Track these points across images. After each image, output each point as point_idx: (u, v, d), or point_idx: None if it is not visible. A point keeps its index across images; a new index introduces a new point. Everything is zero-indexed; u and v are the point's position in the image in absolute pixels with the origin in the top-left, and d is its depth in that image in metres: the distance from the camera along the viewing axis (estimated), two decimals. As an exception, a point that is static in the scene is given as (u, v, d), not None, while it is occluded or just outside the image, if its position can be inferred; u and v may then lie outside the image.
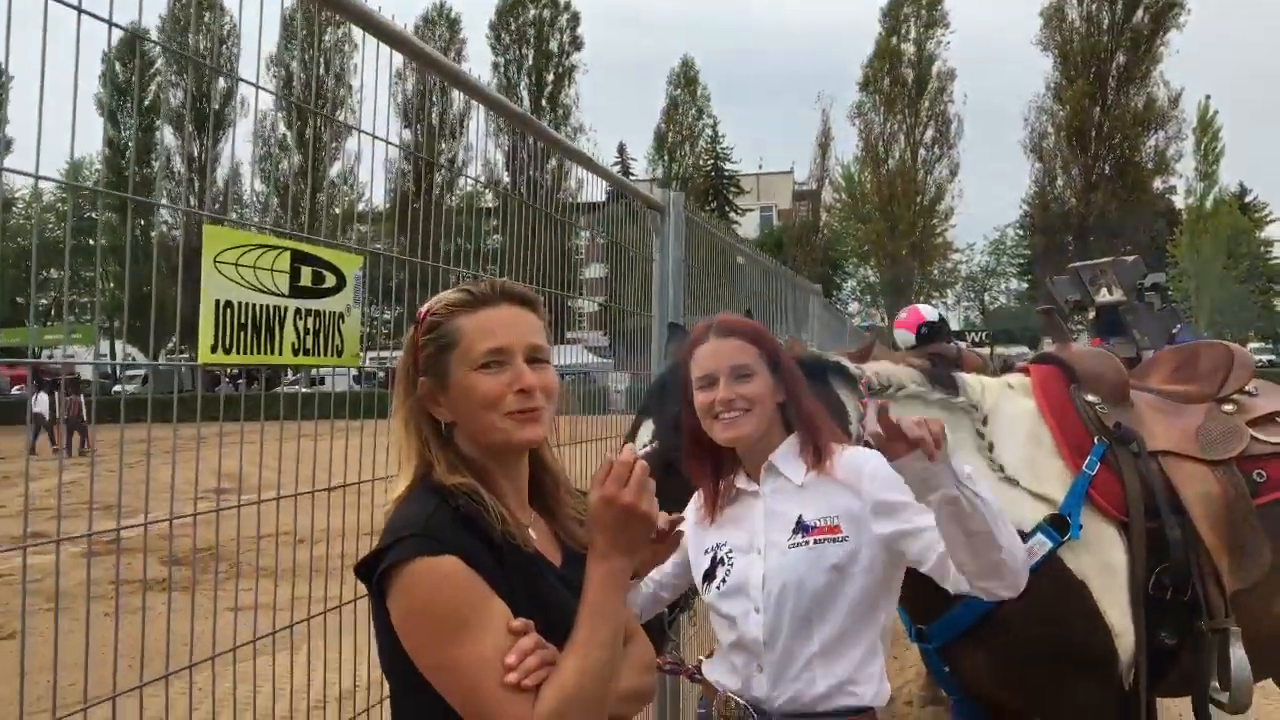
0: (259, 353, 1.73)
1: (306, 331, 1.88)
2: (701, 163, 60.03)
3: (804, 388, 2.32)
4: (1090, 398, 2.99)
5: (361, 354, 2.03)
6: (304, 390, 2.28)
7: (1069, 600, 2.76)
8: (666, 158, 58.06)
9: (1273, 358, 46.32)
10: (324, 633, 2.35)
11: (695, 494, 2.41)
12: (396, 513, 1.59)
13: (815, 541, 2.14)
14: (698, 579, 2.34)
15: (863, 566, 2.12)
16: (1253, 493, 2.95)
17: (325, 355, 1.90)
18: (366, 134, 2.09)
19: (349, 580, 2.28)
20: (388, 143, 2.16)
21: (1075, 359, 3.10)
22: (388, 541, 1.53)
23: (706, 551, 2.33)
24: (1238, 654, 2.80)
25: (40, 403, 21.59)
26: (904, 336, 6.19)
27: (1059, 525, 2.76)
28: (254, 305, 1.74)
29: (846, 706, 2.11)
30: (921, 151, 55.48)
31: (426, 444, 1.62)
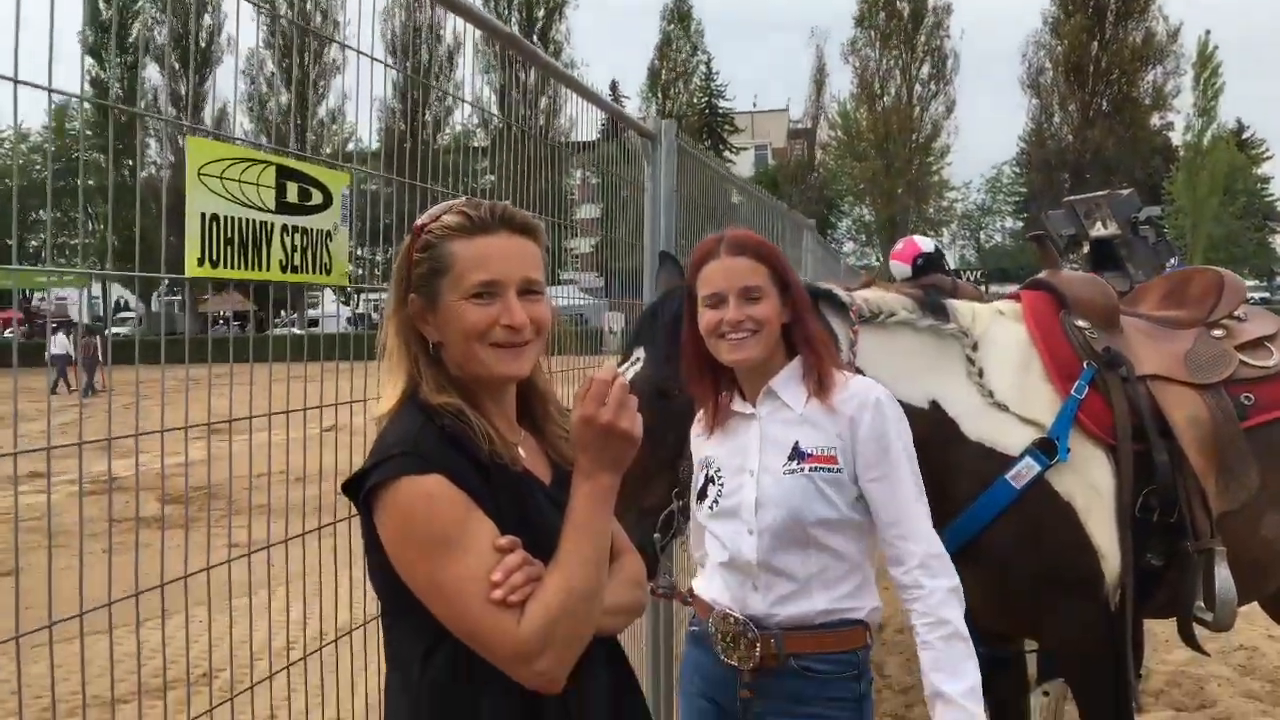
0: (246, 268, 1.72)
1: (294, 249, 1.87)
2: (696, 100, 59.48)
3: (810, 310, 2.29)
4: (1080, 323, 3.00)
5: (349, 274, 2.02)
6: (296, 331, 2.26)
7: (1056, 523, 2.79)
8: (660, 95, 57.48)
9: (1266, 295, 46.40)
10: (318, 569, 2.37)
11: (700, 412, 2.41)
12: (383, 430, 1.59)
13: (811, 470, 2.14)
14: (692, 495, 2.36)
15: (856, 495, 2.15)
16: (1240, 416, 2.97)
17: (314, 273, 1.89)
18: (353, 49, 2.04)
19: (344, 516, 2.31)
20: (375, 60, 2.11)
21: (1065, 284, 3.10)
22: (374, 460, 1.53)
23: (700, 467, 2.34)
24: (1223, 574, 2.84)
25: (58, 344, 21.84)
26: (900, 268, 6.16)
27: (1047, 449, 2.78)
28: (240, 220, 1.73)
29: (844, 619, 2.15)
30: (918, 88, 55.04)
31: (415, 361, 1.61)
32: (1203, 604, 2.91)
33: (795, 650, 2.14)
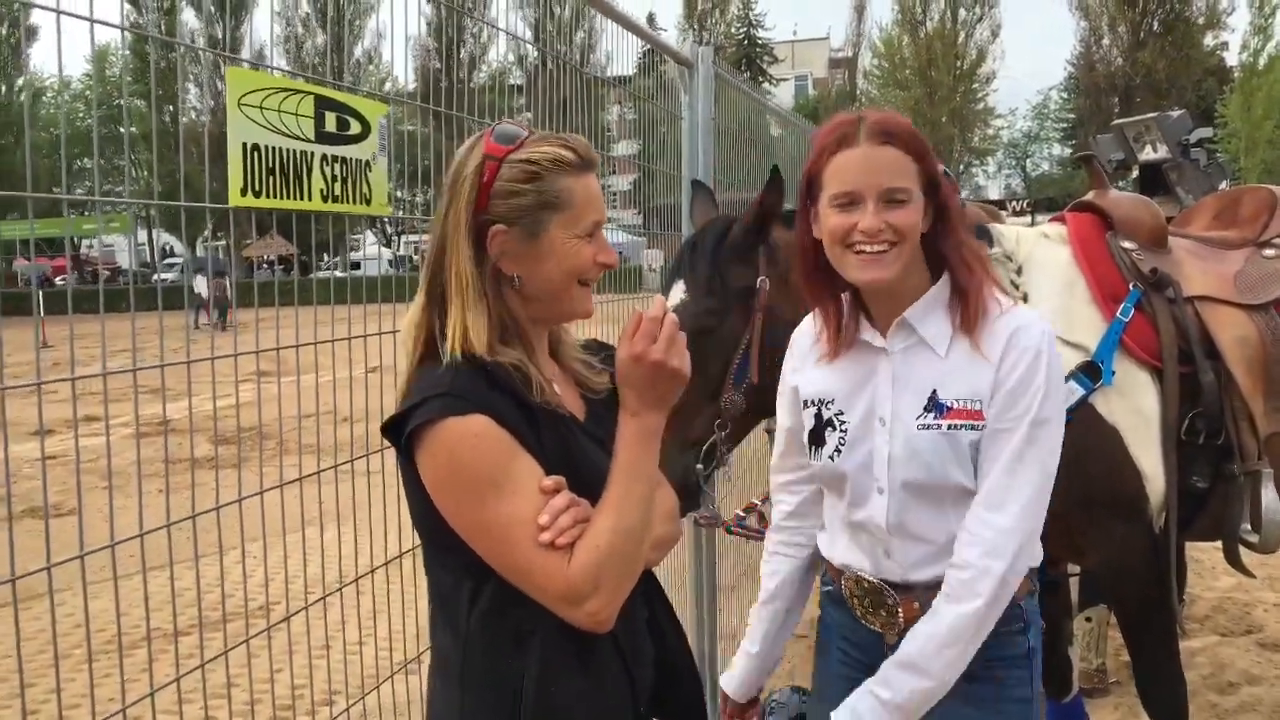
0: (288, 197, 1.74)
1: (334, 178, 1.88)
2: (734, 31, 58.45)
3: (963, 219, 1.87)
4: (1126, 244, 2.95)
5: (391, 204, 2.03)
6: (339, 274, 2.28)
7: (1100, 447, 2.77)
8: (697, 26, 56.54)
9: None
10: (368, 503, 2.41)
11: (789, 348, 2.06)
12: (420, 373, 1.56)
13: (950, 426, 1.75)
14: (802, 437, 1.96)
15: None
16: (1291, 336, 2.92)
17: (354, 203, 1.90)
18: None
19: (390, 456, 2.35)
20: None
21: (1112, 205, 3.04)
22: (415, 400, 1.50)
23: (809, 404, 1.93)
24: (1269, 495, 2.82)
25: (199, 284, 23.20)
26: None
27: (1091, 373, 2.75)
28: (280, 150, 1.75)
29: None
30: (962, 12, 53.65)
31: (490, 297, 1.55)
32: (1249, 526, 2.90)
33: None
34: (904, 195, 1.73)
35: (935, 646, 1.73)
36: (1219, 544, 3.08)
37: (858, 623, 1.92)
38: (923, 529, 1.80)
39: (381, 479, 2.49)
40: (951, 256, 1.80)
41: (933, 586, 1.79)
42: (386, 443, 1.55)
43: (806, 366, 1.98)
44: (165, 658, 3.93)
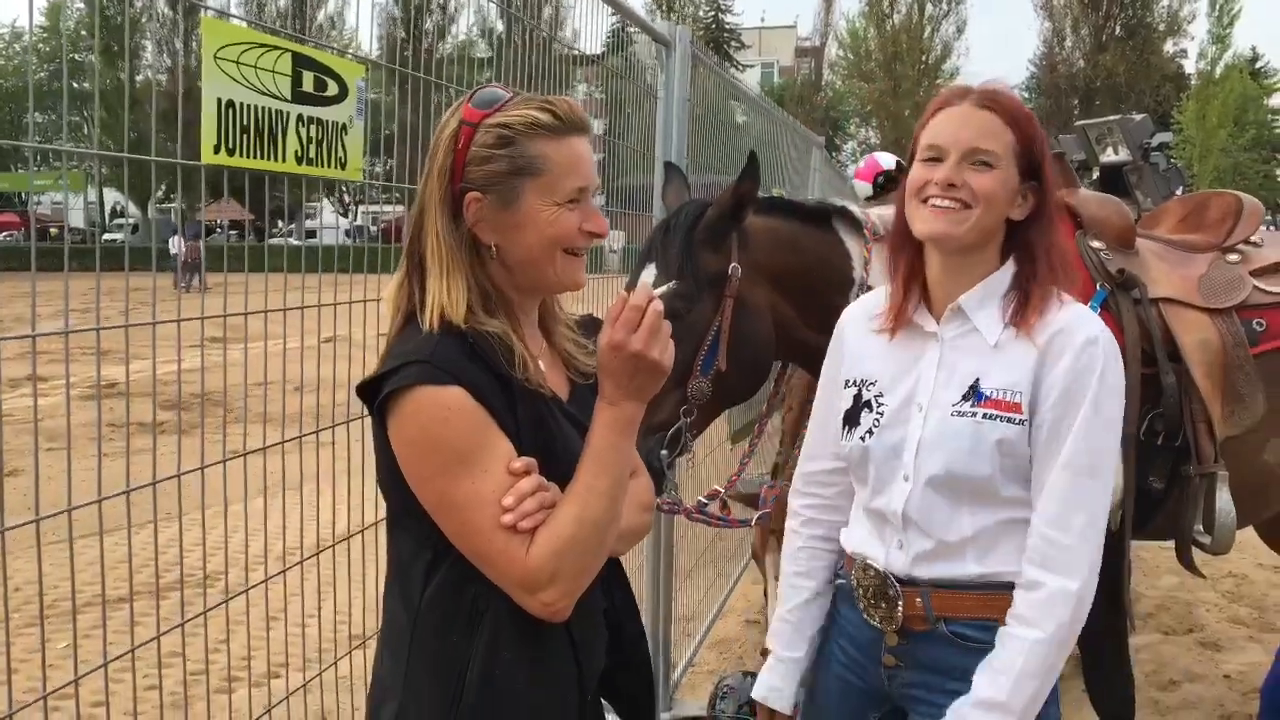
0: (261, 157, 1.67)
1: (309, 140, 1.82)
2: (702, 14, 58.28)
3: (1057, 212, 1.80)
4: (1095, 243, 2.96)
5: (364, 170, 1.97)
6: (294, 242, 2.22)
7: (1061, 444, 2.78)
8: (664, 7, 56.32)
9: (1272, 227, 46.11)
10: (316, 476, 2.36)
11: (841, 324, 2.00)
12: (401, 335, 1.52)
13: (985, 415, 1.70)
14: (833, 413, 1.92)
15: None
16: (1251, 341, 2.95)
17: (328, 167, 1.84)
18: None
19: (354, 428, 2.30)
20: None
21: (1082, 204, 3.06)
22: (392, 364, 1.45)
23: (850, 384, 1.89)
24: (1223, 497, 2.85)
25: (173, 244, 22.99)
26: (862, 187, 5.99)
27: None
28: (255, 107, 1.68)
29: (1007, 581, 1.72)
30: (929, 7, 53.96)
31: (470, 268, 1.50)
32: (1201, 527, 2.93)
33: (946, 613, 1.76)
34: (990, 159, 1.69)
35: (1013, 681, 1.65)
36: (1163, 543, 3.12)
37: (860, 617, 1.88)
38: (937, 524, 1.75)
39: (331, 450, 2.45)
40: (1038, 249, 1.75)
41: (940, 585, 1.76)
42: (341, 416, 1.50)
43: (855, 346, 1.92)
44: (117, 622, 3.86)
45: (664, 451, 2.72)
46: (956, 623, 1.76)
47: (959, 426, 1.71)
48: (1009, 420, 1.69)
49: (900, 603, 1.79)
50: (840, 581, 1.97)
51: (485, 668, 1.47)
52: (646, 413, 2.62)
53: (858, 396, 1.86)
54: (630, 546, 1.78)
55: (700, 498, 3.32)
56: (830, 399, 1.96)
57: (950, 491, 1.73)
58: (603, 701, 1.74)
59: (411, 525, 1.51)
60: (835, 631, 1.97)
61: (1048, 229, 1.76)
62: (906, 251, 1.82)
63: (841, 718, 1.96)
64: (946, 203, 1.69)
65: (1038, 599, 1.65)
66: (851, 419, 1.86)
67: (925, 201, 1.71)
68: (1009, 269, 1.77)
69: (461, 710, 1.47)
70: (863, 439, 1.82)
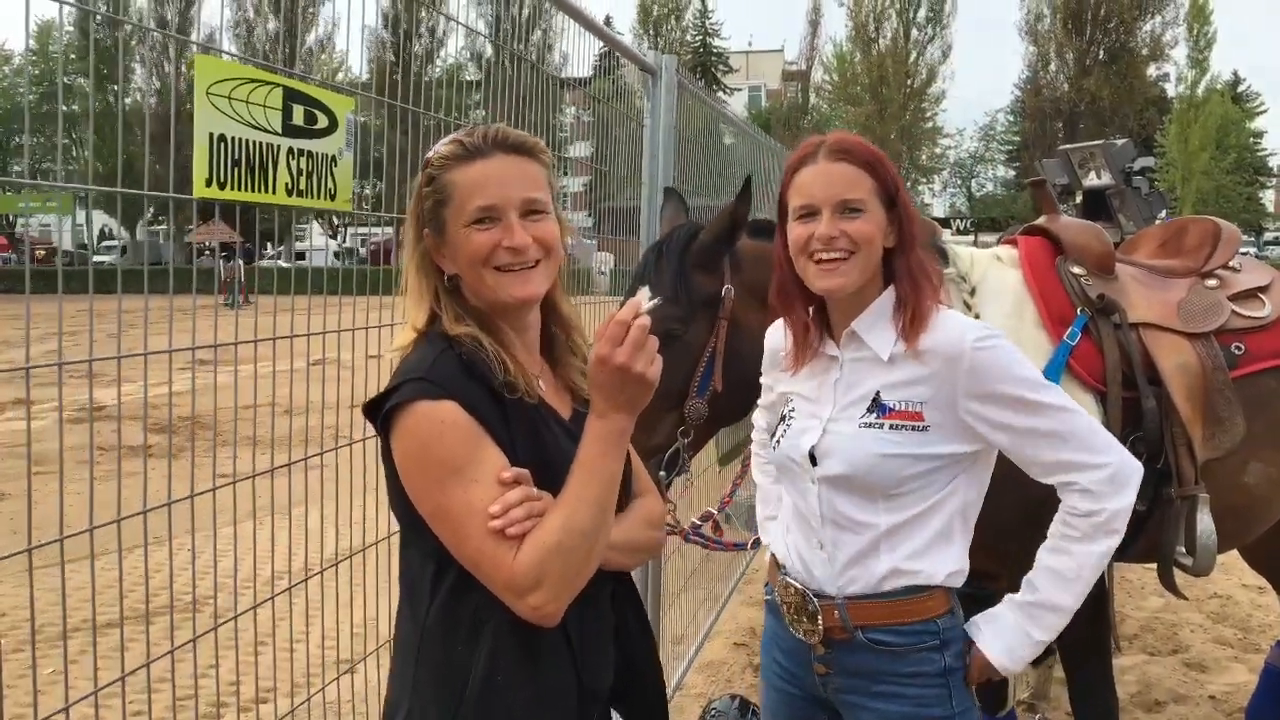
0: (253, 190, 1.70)
1: (300, 172, 1.85)
2: (689, 39, 58.68)
3: (920, 234, 1.98)
4: (1075, 269, 3.00)
5: (353, 201, 2.00)
6: (283, 264, 2.24)
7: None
8: (652, 31, 56.69)
9: (1254, 249, 46.51)
10: (304, 500, 2.38)
11: (769, 335, 2.20)
12: (404, 358, 1.61)
13: (891, 426, 1.88)
14: (765, 429, 2.18)
15: (942, 455, 1.89)
16: (1230, 365, 2.99)
17: (318, 198, 1.87)
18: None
19: (343, 453, 2.31)
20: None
21: (1062, 230, 3.10)
22: (393, 384, 1.55)
23: (778, 404, 2.13)
24: (1204, 520, 2.88)
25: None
26: None
27: (1038, 394, 2.79)
28: (247, 141, 1.72)
29: (912, 585, 1.91)
30: (914, 32, 54.40)
31: (435, 294, 1.63)
32: (1183, 549, 2.96)
33: (862, 622, 1.93)
34: (859, 205, 1.87)
35: (1069, 583, 1.89)
36: (1149, 564, 3.14)
37: (787, 630, 2.05)
38: (850, 520, 1.92)
39: (320, 474, 2.45)
40: (900, 269, 1.93)
41: (852, 596, 1.93)
42: (330, 440, 1.55)
43: (776, 370, 2.15)
44: (105, 646, 3.84)
45: (662, 473, 2.75)
46: (872, 629, 1.93)
47: (870, 437, 1.89)
48: (913, 428, 1.88)
49: (820, 616, 1.96)
50: (767, 597, 2.15)
51: (486, 675, 1.54)
52: (645, 435, 2.68)
53: (780, 414, 2.09)
54: (640, 562, 1.86)
55: (694, 519, 3.35)
56: (769, 394, 2.22)
57: (860, 491, 1.90)
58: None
59: (418, 539, 1.59)
60: (769, 644, 2.16)
61: (911, 250, 1.94)
62: (798, 301, 2.01)
63: None
64: (833, 254, 1.87)
65: (1101, 520, 1.86)
66: (773, 429, 2.10)
67: (812, 257, 1.89)
68: (890, 293, 1.95)
69: (463, 714, 1.53)
70: (775, 446, 2.06)
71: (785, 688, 2.10)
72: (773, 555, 2.14)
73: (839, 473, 1.90)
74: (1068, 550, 1.90)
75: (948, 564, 1.93)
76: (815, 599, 1.96)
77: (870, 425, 1.89)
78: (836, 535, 1.94)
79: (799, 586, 1.99)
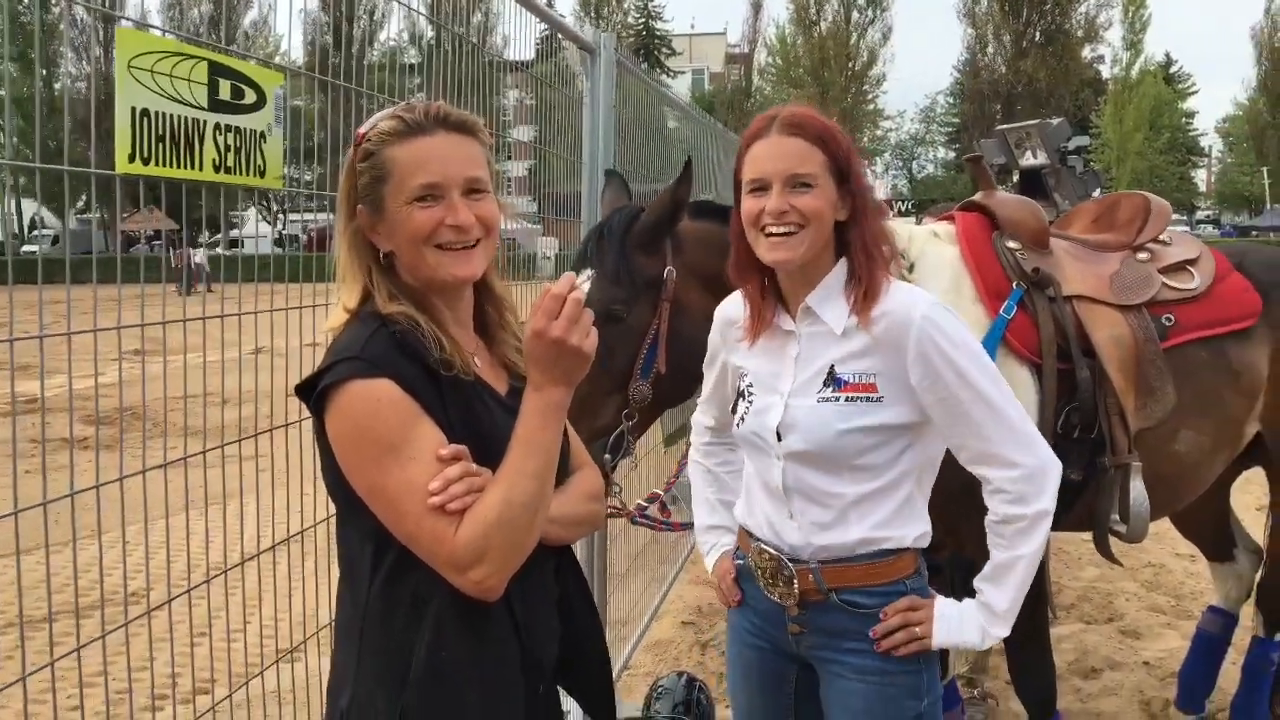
0: (179, 166, 1.66)
1: (227, 148, 1.80)
2: (632, 21, 58.51)
3: (872, 209, 1.98)
4: (1011, 244, 3.04)
5: (284, 179, 1.96)
6: (223, 253, 2.20)
7: (982, 439, 2.85)
8: (593, 14, 56.40)
9: (1186, 228, 47.61)
10: (239, 491, 2.34)
11: (720, 309, 2.21)
12: (337, 337, 1.59)
13: (847, 399, 1.92)
14: (729, 406, 2.17)
15: (897, 425, 1.93)
16: (1161, 336, 3.05)
17: (247, 175, 1.83)
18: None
19: (278, 438, 2.27)
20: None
21: (998, 206, 3.14)
22: (326, 363, 1.52)
23: (735, 378, 2.14)
24: (1137, 487, 2.94)
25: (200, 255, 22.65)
26: None
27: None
28: (172, 116, 1.67)
29: (885, 549, 1.97)
30: (854, 14, 54.77)
31: (368, 272, 1.60)
32: (1118, 517, 3.02)
33: (836, 584, 1.98)
34: (810, 180, 1.88)
35: (1013, 593, 1.97)
36: (1086, 535, 3.21)
37: (762, 594, 2.09)
38: (817, 491, 1.96)
39: (255, 464, 2.41)
40: (853, 242, 1.95)
41: (826, 560, 1.98)
42: (264, 426, 1.52)
43: (731, 342, 2.15)
44: (37, 641, 3.76)
45: (607, 455, 2.74)
46: (846, 591, 1.98)
47: (828, 410, 1.93)
48: (868, 399, 1.92)
49: (795, 580, 2.00)
50: (740, 562, 2.18)
51: (430, 654, 1.53)
52: (590, 418, 2.66)
53: (738, 389, 2.10)
54: (579, 535, 1.86)
55: (640, 501, 3.34)
56: (713, 375, 2.27)
57: (824, 464, 1.94)
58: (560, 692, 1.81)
59: (355, 519, 1.57)
60: (741, 609, 2.19)
61: (864, 223, 1.95)
62: (753, 274, 2.03)
63: (764, 680, 2.18)
64: (783, 228, 1.89)
65: (1022, 527, 1.93)
66: (734, 406, 2.10)
67: (763, 230, 1.91)
68: (842, 266, 1.97)
69: (408, 695, 1.53)
70: (738, 424, 2.08)
71: (757, 643, 2.16)
72: (741, 526, 2.17)
73: (802, 448, 1.94)
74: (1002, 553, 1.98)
75: (915, 527, 2.00)
76: (791, 564, 2.00)
77: (827, 400, 1.93)
78: (805, 506, 1.99)
79: (773, 552, 2.03)
